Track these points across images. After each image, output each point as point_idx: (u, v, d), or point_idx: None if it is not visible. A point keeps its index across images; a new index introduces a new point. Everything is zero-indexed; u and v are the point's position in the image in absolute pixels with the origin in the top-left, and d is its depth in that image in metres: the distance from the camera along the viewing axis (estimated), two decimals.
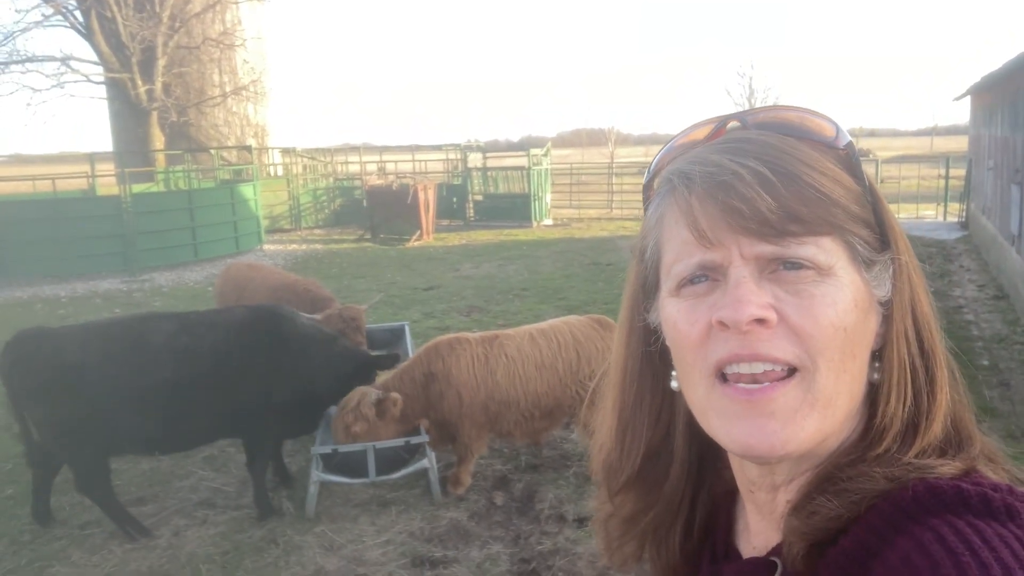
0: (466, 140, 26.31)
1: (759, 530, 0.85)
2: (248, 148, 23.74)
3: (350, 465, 5.39)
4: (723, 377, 0.74)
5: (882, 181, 22.28)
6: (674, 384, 0.84)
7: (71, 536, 5.21)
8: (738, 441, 0.74)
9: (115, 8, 23.91)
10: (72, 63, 25.48)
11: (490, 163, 25.92)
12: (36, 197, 18.98)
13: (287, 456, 6.23)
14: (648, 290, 0.86)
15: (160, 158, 24.14)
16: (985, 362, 8.23)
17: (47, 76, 25.20)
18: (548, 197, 24.05)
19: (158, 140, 25.44)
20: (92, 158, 18.87)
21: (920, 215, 21.33)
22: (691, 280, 0.76)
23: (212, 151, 24.21)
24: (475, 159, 25.35)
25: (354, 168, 27.48)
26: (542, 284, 13.52)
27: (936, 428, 0.75)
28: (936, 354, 0.78)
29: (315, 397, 5.59)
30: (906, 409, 0.75)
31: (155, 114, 25.38)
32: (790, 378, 0.72)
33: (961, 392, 0.80)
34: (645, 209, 0.86)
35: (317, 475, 5.33)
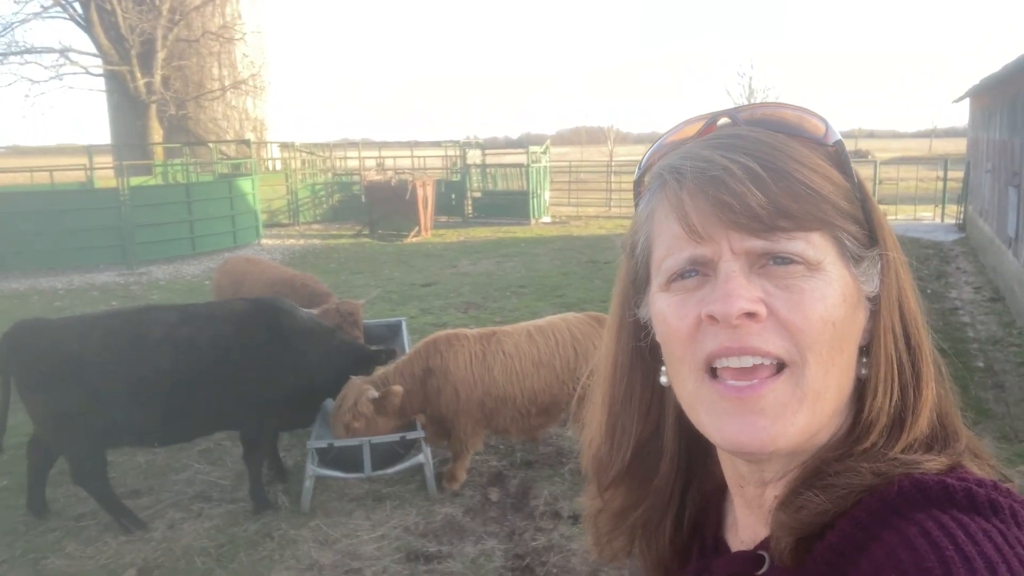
0: (465, 137, 26.26)
1: (747, 524, 0.86)
2: (247, 142, 23.75)
3: (346, 460, 5.40)
4: (712, 372, 0.75)
5: (880, 182, 22.29)
6: (664, 379, 0.85)
7: (66, 528, 5.21)
8: (728, 438, 0.74)
9: (114, 0, 23.86)
10: (71, 55, 25.47)
11: (489, 160, 25.91)
12: (33, 189, 18.94)
13: (283, 450, 6.24)
14: (638, 285, 0.86)
15: (158, 151, 24.13)
16: (980, 364, 8.25)
17: (45, 68, 25.23)
18: (547, 195, 24.05)
19: (156, 133, 25.42)
20: (90, 151, 18.87)
21: (918, 217, 21.35)
22: (681, 275, 0.76)
23: (211, 145, 24.19)
24: (474, 156, 25.33)
25: (353, 163, 27.45)
26: (540, 281, 13.52)
27: (922, 423, 0.76)
28: (923, 350, 0.79)
29: (313, 390, 5.60)
30: (893, 404, 0.76)
31: (154, 107, 25.35)
32: (779, 374, 0.73)
33: (947, 387, 0.81)
34: (636, 205, 0.87)
35: (313, 469, 5.33)
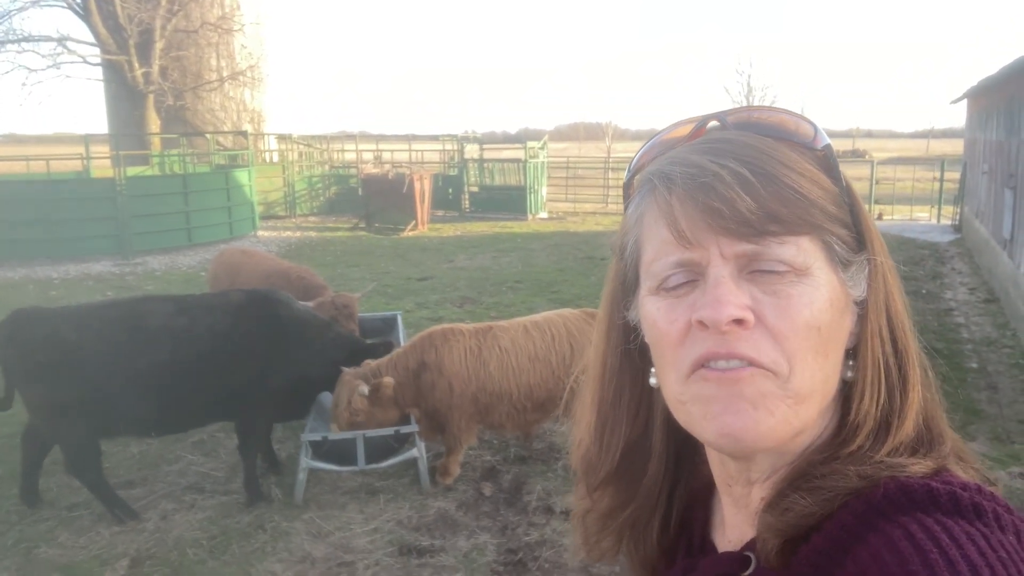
0: (463, 131, 26.26)
1: (735, 524, 0.86)
2: (244, 134, 23.66)
3: (339, 453, 5.41)
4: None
5: (877, 182, 22.32)
6: (652, 381, 0.85)
7: (59, 517, 5.21)
8: (713, 428, 0.74)
9: None
10: (68, 44, 25.32)
11: (487, 155, 25.89)
12: (30, 178, 18.89)
13: (277, 443, 6.24)
14: (627, 288, 0.86)
15: (156, 142, 24.05)
16: (974, 364, 8.28)
17: (43, 56, 25.06)
18: (544, 190, 24.03)
19: (154, 123, 25.33)
20: (87, 140, 18.82)
21: (914, 217, 21.39)
22: (670, 279, 0.77)
23: (208, 136, 24.10)
24: (472, 150, 25.31)
25: (350, 156, 27.41)
26: (536, 277, 13.53)
27: (908, 426, 0.76)
28: (909, 353, 0.79)
29: (308, 382, 5.60)
30: (879, 407, 0.76)
31: (151, 97, 25.26)
32: (764, 372, 0.73)
33: (933, 391, 0.81)
34: (625, 207, 0.87)
35: (306, 462, 5.34)
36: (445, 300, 11.76)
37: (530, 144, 23.34)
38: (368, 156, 27.57)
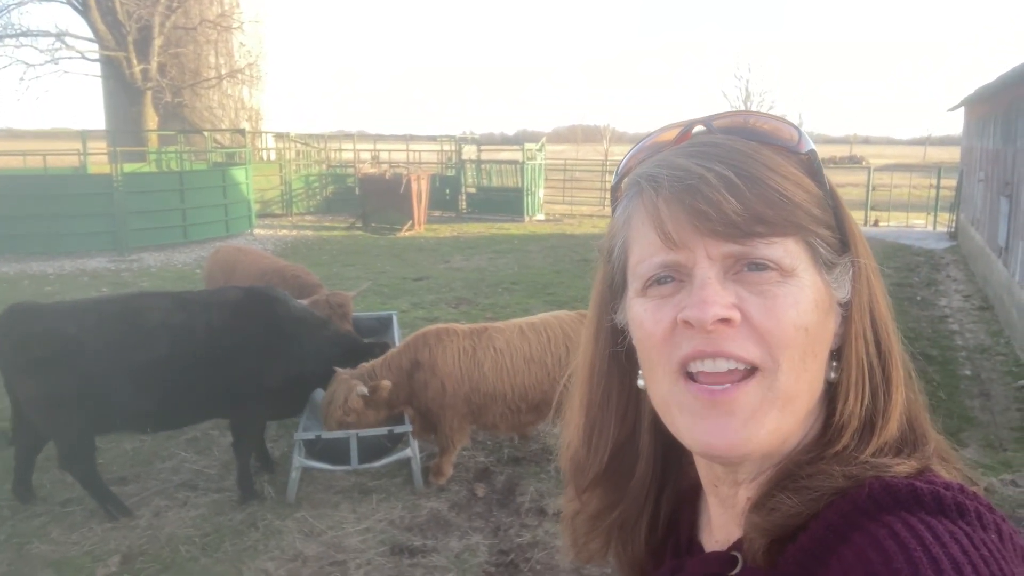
0: (462, 132, 26.26)
1: (721, 524, 0.87)
2: (242, 132, 23.66)
3: (333, 452, 5.40)
4: (688, 375, 0.76)
5: (874, 188, 22.38)
6: (640, 383, 0.86)
7: (51, 513, 5.20)
8: (699, 441, 0.76)
9: None
10: (67, 39, 25.33)
11: (484, 156, 25.89)
12: (26, 173, 18.84)
13: (270, 441, 6.24)
14: (615, 290, 0.87)
15: (153, 138, 24.04)
16: (967, 372, 8.30)
17: (41, 51, 25.07)
18: (541, 192, 24.06)
19: (151, 120, 25.32)
20: (84, 136, 18.76)
21: (910, 224, 21.45)
22: (657, 280, 0.78)
23: (205, 133, 24.11)
24: (469, 151, 25.31)
25: (348, 156, 27.37)
26: (532, 278, 13.53)
27: (892, 426, 0.77)
28: (893, 354, 0.81)
29: (304, 380, 5.61)
30: (864, 407, 0.77)
31: (149, 94, 25.24)
32: (751, 377, 0.74)
33: (916, 391, 0.82)
34: (613, 210, 0.88)
35: (299, 461, 5.34)
36: (440, 300, 11.76)
37: (528, 146, 23.37)
38: (366, 156, 27.55)
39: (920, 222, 21.57)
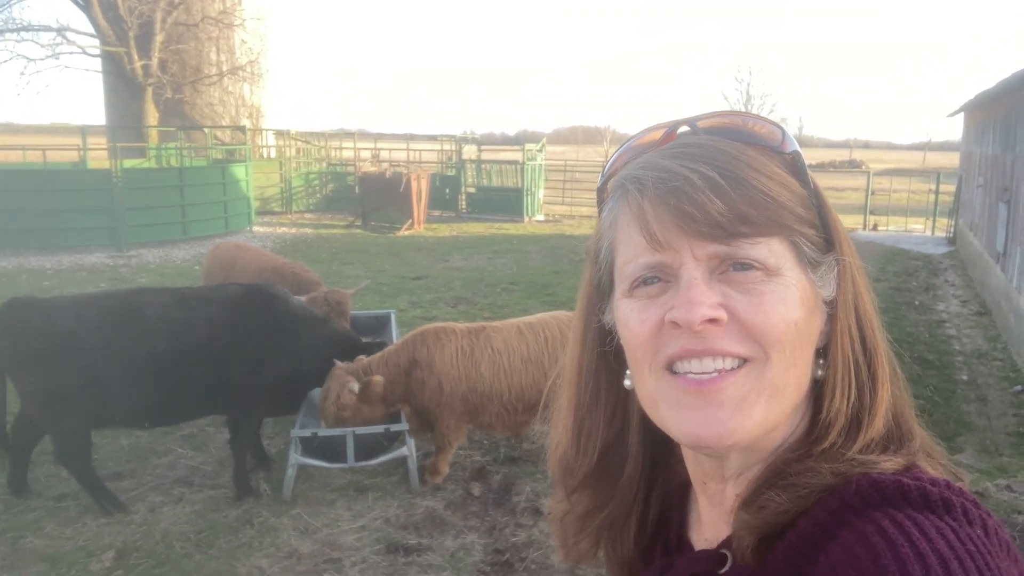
0: (462, 131, 26.27)
1: (710, 522, 0.88)
2: (242, 129, 23.65)
3: (329, 450, 5.40)
4: (673, 372, 0.77)
5: (873, 193, 22.40)
6: (627, 383, 0.86)
7: (46, 508, 5.20)
8: (687, 432, 0.76)
9: None
10: (68, 34, 25.27)
11: (485, 156, 25.91)
12: (26, 167, 18.83)
13: (266, 439, 6.24)
14: (603, 291, 0.88)
15: (153, 134, 23.98)
16: (964, 377, 8.31)
17: (42, 46, 25.00)
18: (541, 193, 24.07)
19: (152, 116, 25.27)
20: (84, 131, 18.75)
21: (909, 228, 21.47)
22: (644, 281, 0.78)
23: (206, 130, 24.09)
24: (470, 151, 25.32)
25: (348, 154, 27.38)
26: (531, 279, 13.54)
27: (879, 423, 0.78)
28: (878, 351, 0.81)
29: (302, 377, 5.61)
30: (850, 405, 0.78)
31: (150, 90, 25.21)
32: (740, 368, 0.74)
33: (902, 388, 0.83)
34: (599, 211, 0.89)
35: (296, 458, 5.33)
36: (439, 300, 11.76)
37: (528, 146, 23.39)
38: (366, 154, 27.54)
39: (919, 227, 21.59)
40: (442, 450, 5.65)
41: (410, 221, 20.01)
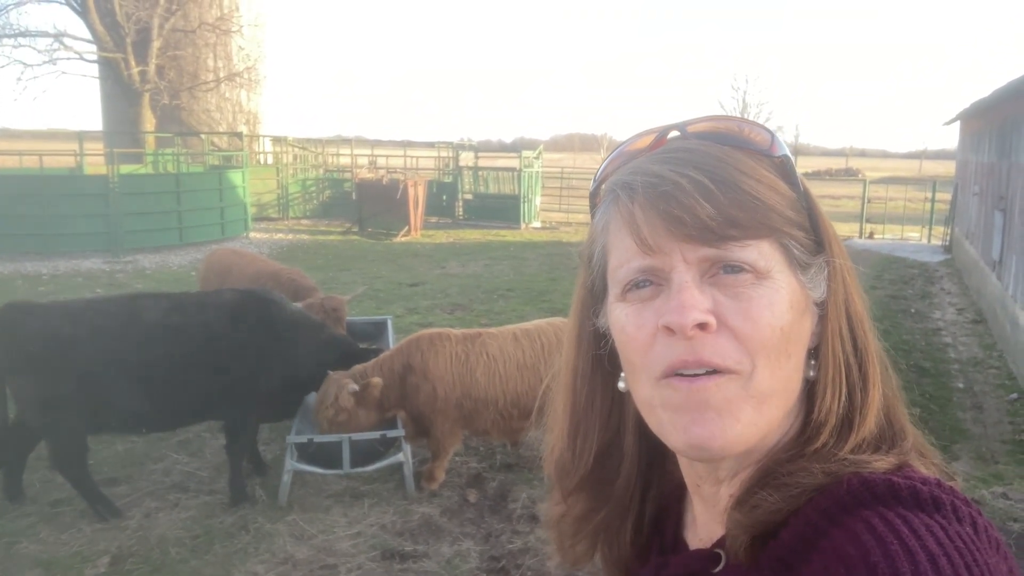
0: (460, 138, 26.30)
1: (705, 522, 0.88)
2: (239, 135, 23.67)
3: (325, 456, 5.39)
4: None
5: (869, 201, 22.47)
6: (622, 385, 0.87)
7: (41, 513, 5.18)
8: (680, 437, 0.77)
9: None
10: (65, 40, 25.33)
11: (482, 163, 25.95)
12: (22, 173, 18.83)
13: (262, 444, 6.22)
14: (596, 295, 0.89)
15: (150, 140, 24.01)
16: (960, 384, 8.32)
17: (39, 52, 25.05)
18: (538, 200, 24.09)
19: (149, 122, 25.31)
20: (81, 136, 18.76)
21: (905, 236, 21.53)
22: (636, 285, 0.79)
23: (203, 136, 24.13)
24: (467, 158, 25.36)
25: (345, 160, 27.42)
26: (527, 285, 13.54)
27: (870, 422, 0.79)
28: (869, 351, 0.82)
29: (299, 383, 5.61)
30: (841, 405, 0.79)
31: (147, 96, 25.24)
32: (729, 375, 0.75)
33: (894, 388, 0.84)
34: (592, 216, 0.90)
35: (291, 464, 5.32)
36: (436, 306, 11.76)
37: (525, 153, 23.44)
38: (363, 161, 27.57)
39: (915, 235, 21.66)
40: (438, 456, 5.65)
41: (407, 228, 20.02)
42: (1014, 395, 7.93)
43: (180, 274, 14.48)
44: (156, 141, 24.21)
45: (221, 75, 28.80)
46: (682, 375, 0.75)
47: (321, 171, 25.95)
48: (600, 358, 0.91)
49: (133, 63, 24.58)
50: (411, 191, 19.87)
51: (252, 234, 19.78)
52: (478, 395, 5.48)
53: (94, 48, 25.13)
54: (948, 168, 36.14)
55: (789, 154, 0.83)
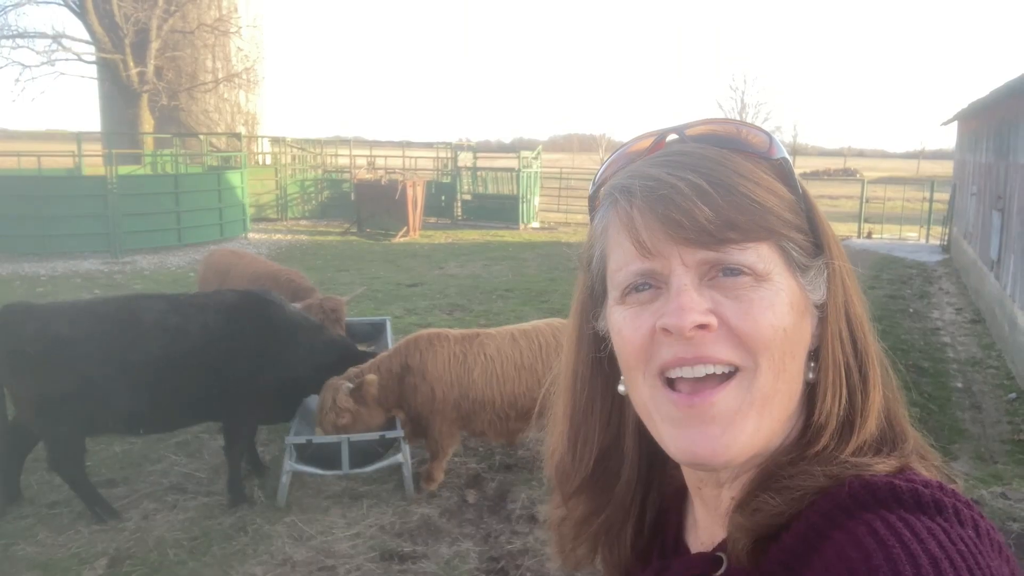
0: (458, 139, 26.31)
1: (706, 525, 0.88)
2: (237, 136, 23.66)
3: (324, 456, 5.39)
4: (668, 381, 0.77)
5: (868, 201, 22.49)
6: (622, 388, 0.87)
7: (38, 515, 5.17)
8: (682, 449, 0.77)
9: None
10: (64, 41, 25.31)
11: (480, 163, 25.96)
12: (20, 173, 18.80)
13: (261, 445, 6.22)
14: (595, 298, 0.89)
15: (148, 141, 24.00)
16: (959, 384, 8.32)
17: (37, 53, 25.03)
18: (536, 200, 24.11)
19: (147, 123, 25.29)
20: (79, 137, 18.75)
21: (903, 236, 21.55)
22: (635, 288, 0.79)
23: (201, 137, 24.12)
24: (466, 158, 25.36)
25: (343, 161, 27.42)
26: (526, 286, 13.54)
27: (871, 425, 0.78)
28: (869, 354, 0.82)
29: (298, 384, 5.60)
30: (842, 407, 0.78)
31: (145, 97, 25.23)
32: (730, 380, 0.75)
33: (895, 390, 0.84)
34: (591, 219, 0.90)
35: (290, 465, 5.32)
36: (434, 307, 11.76)
37: (524, 154, 23.44)
38: (362, 161, 27.56)
39: (913, 235, 21.68)
40: (436, 457, 5.64)
41: (405, 228, 20.02)
42: (1013, 395, 7.93)
43: (179, 275, 14.48)
44: (155, 142, 24.20)
45: (219, 76, 28.79)
46: (682, 385, 0.75)
47: (320, 172, 25.95)
48: (600, 361, 0.91)
49: (131, 64, 24.56)
50: (410, 192, 19.87)
51: (251, 235, 19.77)
52: (475, 395, 5.48)
53: (92, 49, 25.11)
54: (946, 168, 36.18)
55: (787, 156, 0.82)
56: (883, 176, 44.28)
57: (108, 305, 5.27)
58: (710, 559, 0.82)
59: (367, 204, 20.72)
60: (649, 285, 0.78)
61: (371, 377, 5.33)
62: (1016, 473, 5.99)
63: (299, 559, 4.72)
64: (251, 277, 8.13)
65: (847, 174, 57.45)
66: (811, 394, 0.80)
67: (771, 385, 0.75)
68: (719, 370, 0.75)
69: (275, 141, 25.86)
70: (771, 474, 0.77)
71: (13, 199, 15.47)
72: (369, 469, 5.47)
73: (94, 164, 20.00)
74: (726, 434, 0.75)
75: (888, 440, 0.79)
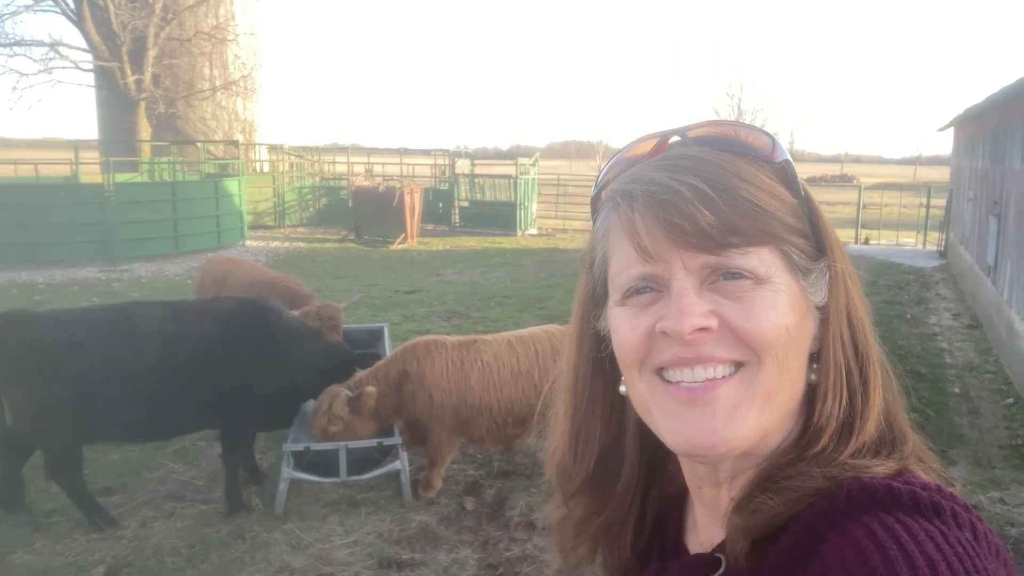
0: (456, 146, 26.33)
1: (706, 526, 0.88)
2: (235, 143, 23.67)
3: (322, 464, 5.38)
4: (665, 380, 0.78)
5: (864, 207, 22.52)
6: (623, 389, 0.87)
7: (36, 523, 5.15)
8: (680, 440, 0.77)
9: None
10: (61, 49, 25.31)
11: (478, 170, 25.97)
12: (18, 181, 18.79)
13: (259, 453, 6.20)
14: (597, 299, 0.90)
15: (146, 149, 24.01)
16: (956, 389, 8.34)
17: (35, 61, 25.03)
18: (534, 207, 24.13)
19: (145, 131, 25.28)
20: (77, 145, 18.75)
21: (900, 242, 21.59)
22: (636, 291, 0.79)
23: (199, 144, 24.13)
24: (463, 165, 25.38)
25: (341, 168, 27.43)
26: (524, 292, 13.54)
27: (871, 427, 0.79)
28: (870, 356, 0.82)
29: (296, 390, 5.60)
30: (842, 409, 0.78)
31: (143, 104, 25.22)
32: (733, 375, 0.75)
33: (895, 393, 0.84)
34: (593, 221, 0.90)
35: (288, 472, 5.31)
36: (432, 313, 11.75)
37: (521, 160, 23.47)
38: (359, 168, 27.57)
39: (910, 241, 21.71)
40: (435, 464, 5.63)
41: (403, 235, 20.02)
42: (1010, 400, 7.94)
43: (176, 282, 14.46)
44: (152, 150, 24.21)
45: (217, 84, 28.80)
46: (683, 384, 0.76)
47: (317, 179, 25.96)
48: (601, 361, 0.91)
49: (129, 72, 24.57)
50: (407, 199, 19.88)
51: (248, 242, 19.76)
52: (473, 402, 5.48)
53: (90, 57, 25.11)
54: (943, 174, 36.24)
55: (790, 159, 0.83)
56: (880, 182, 44.34)
57: (105, 313, 5.27)
58: (709, 560, 0.83)
59: (365, 211, 20.72)
60: (650, 288, 0.78)
61: (370, 389, 5.33)
62: (1014, 478, 5.99)
63: (297, 567, 4.71)
64: (248, 284, 8.13)
65: (844, 180, 57.57)
66: (811, 395, 0.81)
67: (774, 381, 0.76)
68: (720, 372, 0.75)
69: (272, 148, 25.86)
70: (770, 475, 0.77)
71: (10, 207, 15.44)
72: (367, 476, 5.46)
73: (91, 172, 19.99)
74: (726, 427, 0.75)
75: (887, 442, 0.79)
